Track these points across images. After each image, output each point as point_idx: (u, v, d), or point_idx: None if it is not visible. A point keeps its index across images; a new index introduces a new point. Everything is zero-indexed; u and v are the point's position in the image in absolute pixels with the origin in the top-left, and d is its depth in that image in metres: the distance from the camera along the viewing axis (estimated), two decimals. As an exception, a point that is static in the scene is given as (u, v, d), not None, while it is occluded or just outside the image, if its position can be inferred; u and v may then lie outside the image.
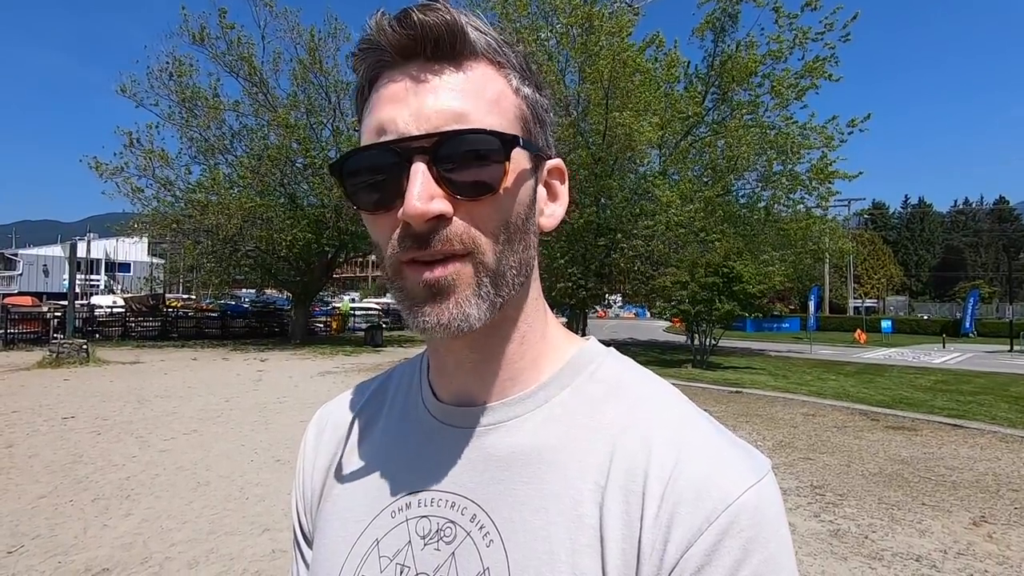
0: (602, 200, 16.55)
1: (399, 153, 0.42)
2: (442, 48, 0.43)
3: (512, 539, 0.45)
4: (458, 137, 0.42)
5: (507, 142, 0.43)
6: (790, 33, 16.03)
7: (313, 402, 9.01)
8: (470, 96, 0.43)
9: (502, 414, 0.49)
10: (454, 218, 0.42)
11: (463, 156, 0.42)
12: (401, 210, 0.41)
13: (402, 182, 0.42)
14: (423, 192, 0.41)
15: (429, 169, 0.41)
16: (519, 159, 0.45)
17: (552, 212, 0.51)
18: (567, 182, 0.53)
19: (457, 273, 0.43)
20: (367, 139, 0.45)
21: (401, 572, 0.47)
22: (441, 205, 0.41)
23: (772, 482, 0.44)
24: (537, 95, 0.49)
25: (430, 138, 0.41)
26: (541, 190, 0.50)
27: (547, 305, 0.54)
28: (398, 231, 0.43)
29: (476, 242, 0.43)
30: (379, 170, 0.43)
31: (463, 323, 0.43)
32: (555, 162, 0.52)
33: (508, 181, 0.44)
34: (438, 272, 0.42)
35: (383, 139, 0.43)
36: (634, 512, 0.42)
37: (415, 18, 0.42)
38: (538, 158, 0.49)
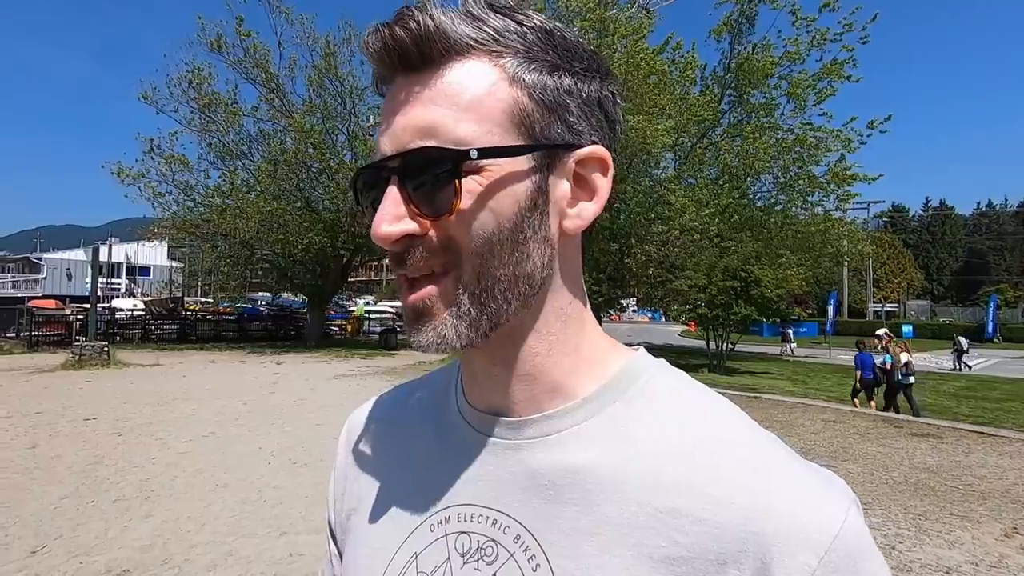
0: (616, 205, 16.47)
1: (379, 174, 0.43)
2: (411, 60, 0.42)
3: (561, 565, 0.42)
4: (416, 154, 0.41)
5: (455, 158, 0.40)
6: (807, 35, 15.88)
7: (329, 405, 9.07)
8: (441, 105, 0.41)
9: (545, 427, 0.46)
10: (428, 236, 0.42)
11: (424, 174, 0.41)
12: None
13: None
14: (387, 214, 0.41)
15: (401, 189, 0.42)
16: (500, 166, 0.41)
17: (579, 212, 0.45)
18: (610, 172, 0.45)
19: (433, 296, 0.43)
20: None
21: None
22: (408, 225, 0.41)
23: (860, 507, 0.41)
24: (549, 79, 0.43)
25: (396, 157, 0.42)
26: (564, 187, 0.44)
27: (588, 314, 0.50)
28: None
29: (448, 262, 0.42)
30: (372, 189, 0.45)
31: (442, 344, 0.42)
32: (589, 150, 0.44)
33: (465, 198, 0.40)
34: (415, 297, 0.43)
35: (373, 159, 0.44)
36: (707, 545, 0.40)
37: (381, 33, 0.42)
38: (552, 154, 0.43)
